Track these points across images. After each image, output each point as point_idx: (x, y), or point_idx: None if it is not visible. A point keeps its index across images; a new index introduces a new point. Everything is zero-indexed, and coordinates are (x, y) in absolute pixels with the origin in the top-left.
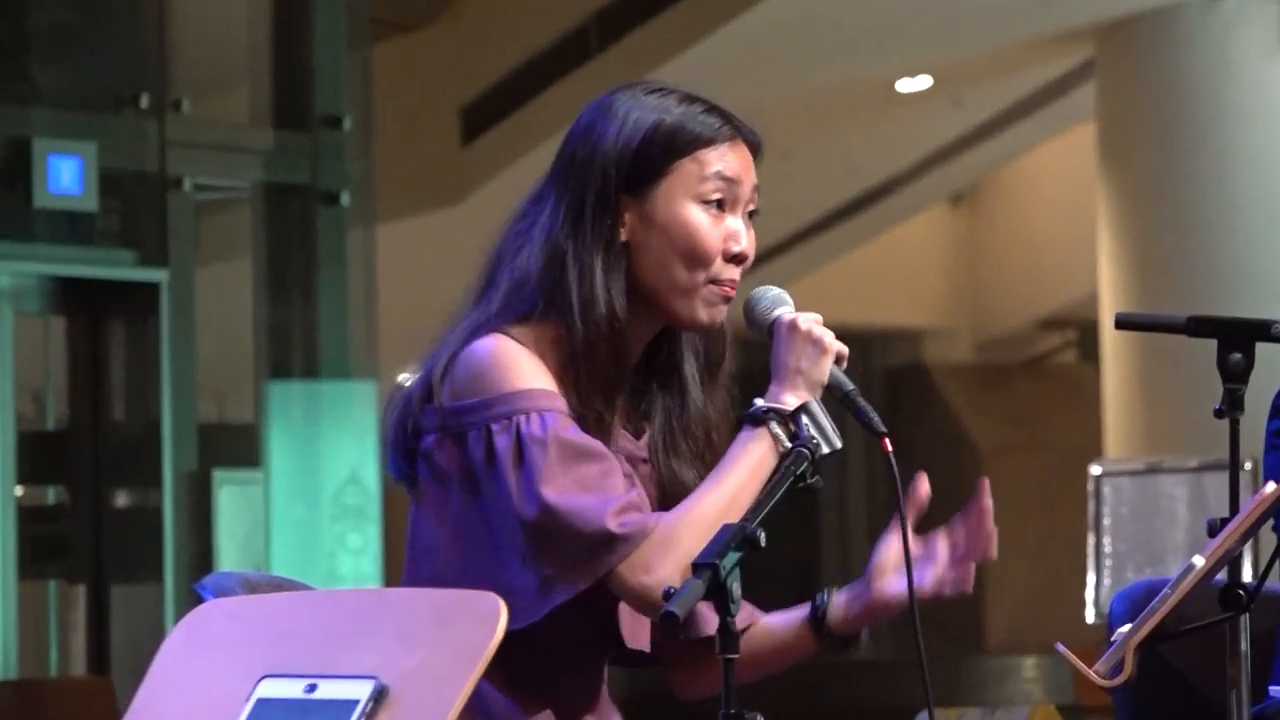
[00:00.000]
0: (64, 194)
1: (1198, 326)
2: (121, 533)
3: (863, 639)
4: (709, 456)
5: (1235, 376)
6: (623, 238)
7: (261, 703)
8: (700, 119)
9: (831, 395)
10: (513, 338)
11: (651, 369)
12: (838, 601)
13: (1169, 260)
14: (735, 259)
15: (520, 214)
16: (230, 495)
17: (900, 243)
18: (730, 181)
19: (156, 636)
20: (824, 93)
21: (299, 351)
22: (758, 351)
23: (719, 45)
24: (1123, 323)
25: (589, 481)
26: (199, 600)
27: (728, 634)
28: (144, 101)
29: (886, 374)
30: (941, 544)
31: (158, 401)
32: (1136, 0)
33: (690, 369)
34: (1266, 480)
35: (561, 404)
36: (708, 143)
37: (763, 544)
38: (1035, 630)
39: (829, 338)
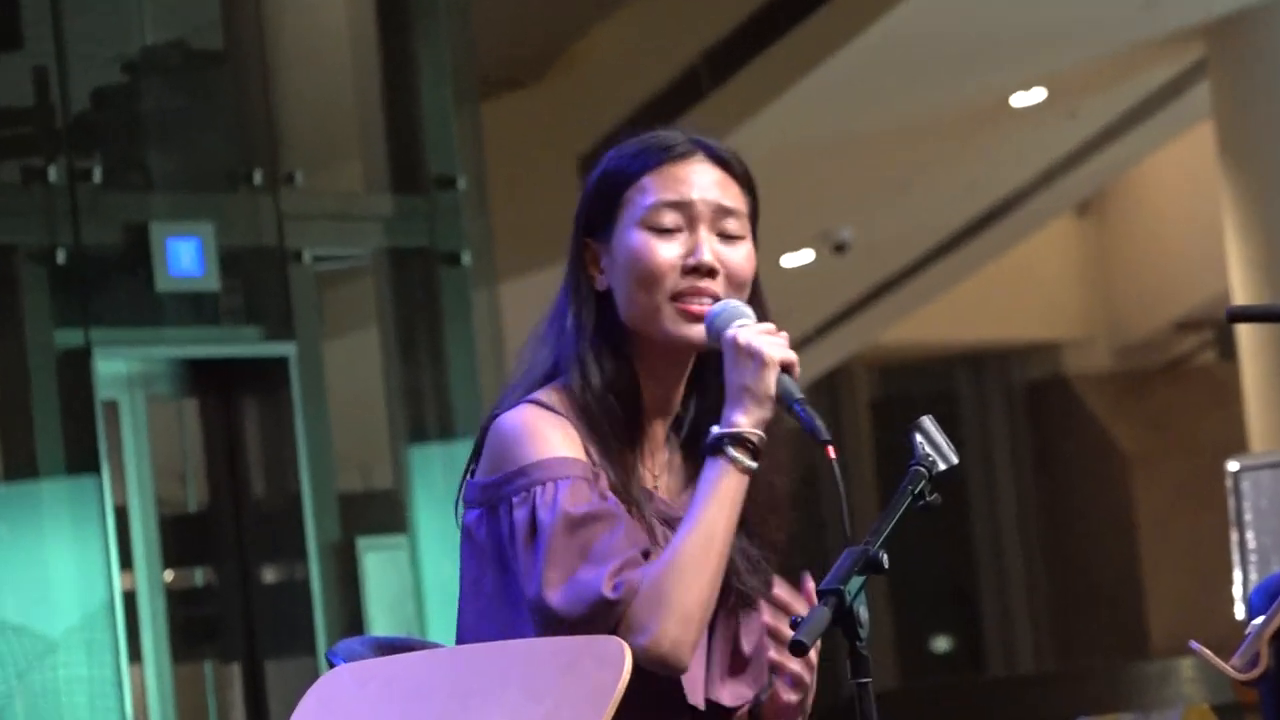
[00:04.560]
0: (185, 275)
1: None
2: (271, 608)
3: None
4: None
5: None
6: (599, 286)
7: None
8: (647, 146)
9: (783, 405)
10: (542, 403)
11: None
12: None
13: None
14: (694, 271)
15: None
16: (376, 561)
17: (1030, 256)
18: (675, 204)
19: None
20: (937, 115)
21: (434, 414)
22: (897, 377)
23: (826, 77)
24: (1234, 316)
25: (590, 548)
26: (332, 667)
27: (859, 659)
28: (257, 177)
29: (1028, 388)
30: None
31: (296, 475)
32: None
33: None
34: None
35: (577, 469)
36: (649, 168)
37: (886, 566)
38: (1195, 630)
39: (769, 349)
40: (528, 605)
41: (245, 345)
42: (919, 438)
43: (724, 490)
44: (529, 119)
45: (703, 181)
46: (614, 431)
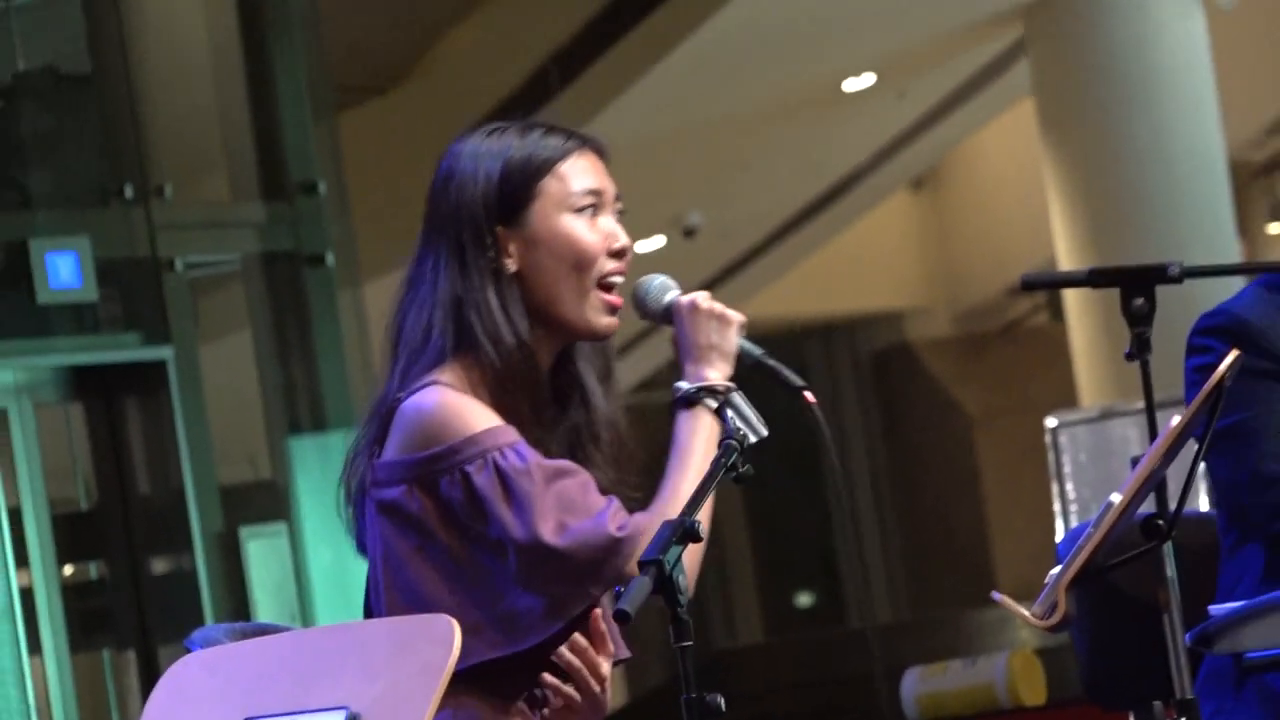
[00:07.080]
0: (64, 288)
1: (1099, 278)
2: (161, 597)
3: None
4: (622, 453)
5: (1139, 320)
6: (510, 268)
7: None
8: (544, 142)
9: (742, 363)
10: (446, 384)
11: (555, 392)
12: None
13: (1116, 218)
14: (618, 254)
15: (408, 280)
16: (258, 549)
17: (871, 232)
18: (593, 191)
19: None
20: (775, 102)
21: (307, 407)
22: None
23: (668, 71)
24: (1029, 283)
25: (574, 498)
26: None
27: (680, 623)
28: (128, 191)
29: (873, 355)
30: None
31: (179, 470)
32: None
33: (591, 380)
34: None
35: (519, 435)
36: (560, 158)
37: (703, 536)
38: (1041, 577)
39: (729, 310)
40: (516, 551)
41: (125, 351)
42: (730, 413)
43: (709, 436)
44: (392, 123)
45: (601, 169)
46: (524, 405)
